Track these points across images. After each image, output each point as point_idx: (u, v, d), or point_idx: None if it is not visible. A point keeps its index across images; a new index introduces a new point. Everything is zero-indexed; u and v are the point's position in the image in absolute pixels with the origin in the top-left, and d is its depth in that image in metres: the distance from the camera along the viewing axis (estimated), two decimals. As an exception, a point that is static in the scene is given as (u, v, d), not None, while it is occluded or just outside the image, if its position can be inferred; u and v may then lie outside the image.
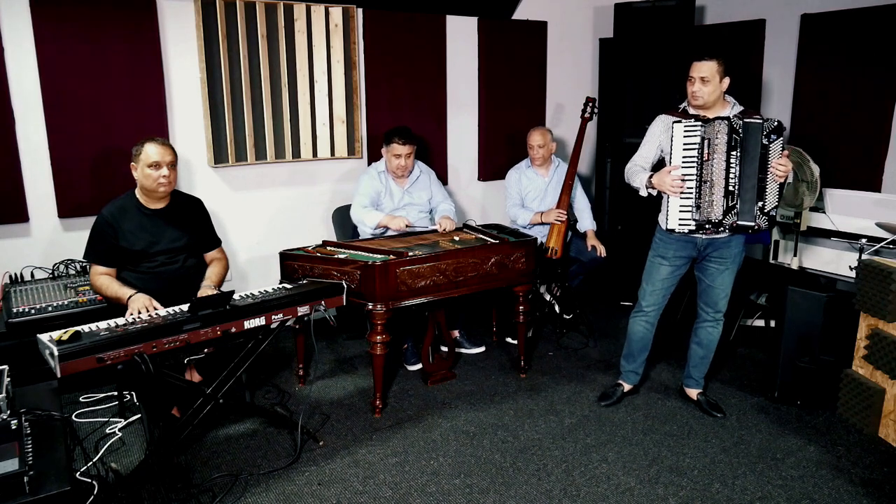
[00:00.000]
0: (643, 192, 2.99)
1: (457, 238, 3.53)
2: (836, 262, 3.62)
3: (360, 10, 4.08)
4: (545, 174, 4.21)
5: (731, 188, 2.81)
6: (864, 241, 3.26)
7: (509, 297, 3.51)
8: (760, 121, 2.77)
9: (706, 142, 2.81)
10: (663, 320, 3.24)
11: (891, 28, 3.72)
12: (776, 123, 2.77)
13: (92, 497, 2.37)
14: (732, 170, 2.80)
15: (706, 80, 2.83)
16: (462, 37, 4.53)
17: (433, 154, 4.50)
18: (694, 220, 2.86)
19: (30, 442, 1.88)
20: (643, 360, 3.30)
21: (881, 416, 2.38)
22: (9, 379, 2.08)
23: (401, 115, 4.28)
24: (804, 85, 4.21)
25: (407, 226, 3.57)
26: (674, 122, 2.87)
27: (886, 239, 3.14)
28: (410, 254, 3.09)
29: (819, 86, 4.13)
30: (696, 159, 2.82)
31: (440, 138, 4.56)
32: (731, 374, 3.58)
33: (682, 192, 2.84)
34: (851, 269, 3.36)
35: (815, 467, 2.71)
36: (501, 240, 3.42)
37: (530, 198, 4.21)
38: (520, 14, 4.74)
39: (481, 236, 3.55)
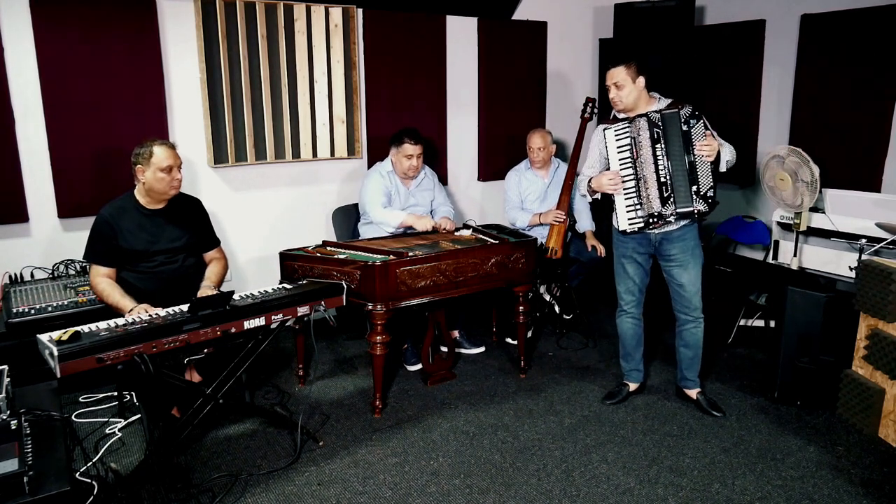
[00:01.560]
0: (588, 198, 3.17)
1: (470, 239, 3.53)
2: (835, 262, 3.62)
3: (360, 11, 4.08)
4: (545, 175, 4.21)
5: (662, 179, 2.92)
6: (863, 241, 3.26)
7: (509, 297, 3.51)
8: (676, 109, 2.89)
9: (634, 140, 2.94)
10: (660, 322, 3.25)
11: (891, 28, 3.72)
12: (691, 108, 2.88)
13: (92, 497, 2.37)
14: (661, 161, 2.92)
15: (619, 86, 2.96)
16: (462, 37, 4.53)
17: (433, 154, 4.50)
18: (640, 217, 2.98)
19: (29, 442, 1.88)
20: (640, 356, 3.33)
21: (881, 417, 2.37)
22: (9, 379, 2.08)
23: (401, 115, 4.28)
24: (804, 85, 4.21)
25: (434, 228, 3.59)
26: (604, 130, 3.01)
27: (886, 239, 3.14)
28: (410, 254, 3.09)
29: (819, 86, 4.13)
30: (630, 159, 2.96)
31: (440, 139, 4.56)
32: (731, 374, 3.57)
33: (624, 189, 2.98)
34: (851, 269, 3.36)
35: (815, 467, 2.71)
36: (501, 240, 3.42)
37: (530, 199, 4.21)
38: (520, 14, 4.74)
39: (481, 237, 3.55)
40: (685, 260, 3.03)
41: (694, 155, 2.87)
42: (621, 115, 3.03)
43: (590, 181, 3.08)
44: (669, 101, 3.02)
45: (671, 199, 2.92)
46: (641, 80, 2.95)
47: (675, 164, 2.90)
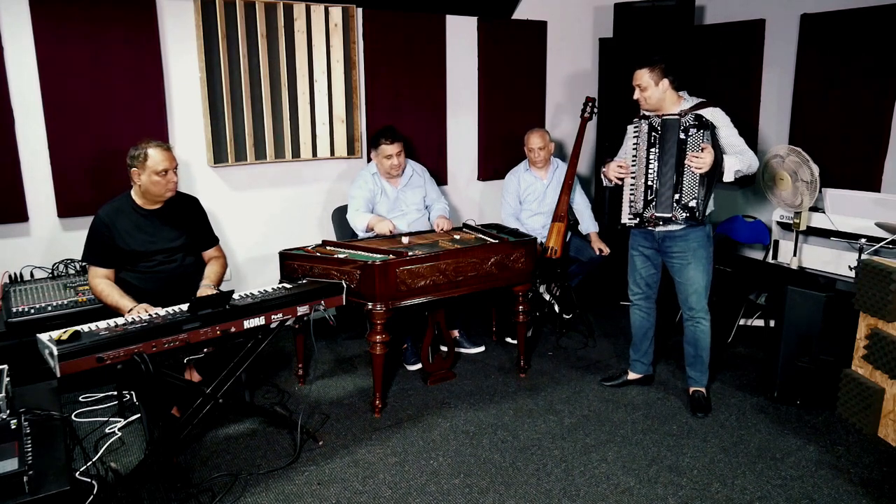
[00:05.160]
0: (605, 182, 3.21)
1: (457, 237, 3.53)
2: (835, 261, 3.63)
3: (359, 10, 4.08)
4: (544, 176, 4.20)
5: (650, 183, 3.00)
6: (863, 240, 3.27)
7: (509, 296, 3.51)
8: (678, 116, 2.91)
9: (638, 140, 3.02)
10: (664, 320, 3.25)
11: (891, 28, 3.72)
12: (694, 118, 2.88)
13: (91, 497, 2.37)
14: (651, 165, 2.99)
15: (643, 87, 2.99)
16: (462, 37, 4.53)
17: (433, 154, 4.50)
18: (633, 214, 3.06)
19: (29, 441, 1.88)
20: (646, 349, 3.37)
21: (880, 416, 2.38)
22: (8, 379, 2.09)
23: (400, 114, 4.28)
24: (804, 85, 4.21)
25: (390, 231, 3.56)
26: (629, 124, 3.09)
27: (886, 239, 3.15)
28: (410, 254, 3.09)
29: (819, 86, 4.13)
30: (636, 157, 3.04)
31: (440, 138, 4.56)
32: (730, 374, 3.57)
33: (630, 185, 3.05)
34: (851, 268, 3.37)
35: (815, 467, 2.71)
36: (501, 239, 3.42)
37: (529, 200, 4.20)
38: (520, 14, 4.74)
39: (481, 236, 3.55)
40: (685, 259, 3.05)
41: (684, 164, 2.90)
42: (648, 114, 3.06)
43: (604, 168, 3.15)
44: (696, 101, 3.02)
45: (653, 203, 2.99)
46: (665, 82, 2.97)
47: (664, 169, 2.95)
